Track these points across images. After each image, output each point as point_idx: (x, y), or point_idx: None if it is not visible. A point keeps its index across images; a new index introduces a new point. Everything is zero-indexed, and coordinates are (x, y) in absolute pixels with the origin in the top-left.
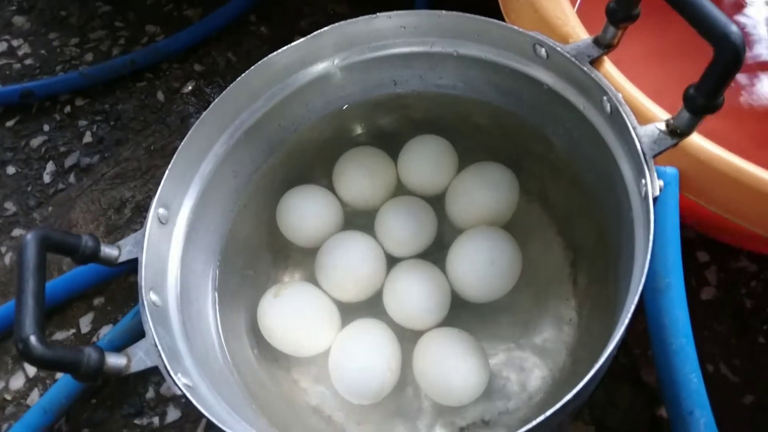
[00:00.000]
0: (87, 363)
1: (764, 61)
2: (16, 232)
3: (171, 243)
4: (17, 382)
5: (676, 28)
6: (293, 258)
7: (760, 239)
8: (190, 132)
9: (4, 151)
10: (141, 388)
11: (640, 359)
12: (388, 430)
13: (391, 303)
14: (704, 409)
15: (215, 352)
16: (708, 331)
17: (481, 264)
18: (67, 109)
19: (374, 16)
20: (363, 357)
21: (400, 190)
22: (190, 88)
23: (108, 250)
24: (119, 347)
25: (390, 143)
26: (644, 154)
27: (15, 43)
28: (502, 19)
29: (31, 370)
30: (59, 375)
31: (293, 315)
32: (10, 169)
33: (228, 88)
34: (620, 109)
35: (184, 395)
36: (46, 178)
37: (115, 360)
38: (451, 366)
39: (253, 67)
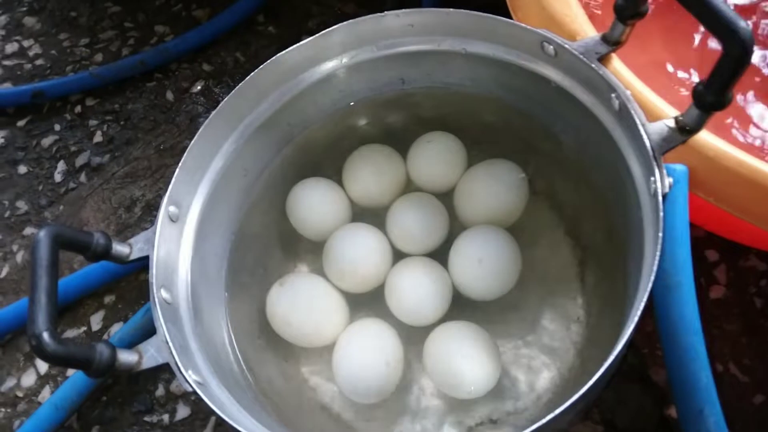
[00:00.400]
0: (99, 359)
1: None
2: (28, 230)
3: (181, 241)
4: (29, 379)
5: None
6: (303, 256)
7: None
8: (200, 131)
9: (16, 150)
10: (151, 386)
11: (649, 359)
12: (396, 429)
13: (392, 299)
14: (714, 407)
15: (225, 349)
16: (717, 330)
17: (469, 262)
18: (78, 109)
19: (382, 14)
20: (361, 355)
21: (409, 187)
22: (199, 87)
23: (119, 248)
24: (129, 345)
25: (399, 141)
26: (653, 152)
27: (26, 43)
28: (509, 17)
29: (43, 367)
30: (70, 372)
31: (297, 302)
32: (22, 169)
33: (237, 87)
34: (629, 107)
35: (195, 392)
36: (57, 177)
37: (126, 357)
38: (464, 357)
39: (261, 66)
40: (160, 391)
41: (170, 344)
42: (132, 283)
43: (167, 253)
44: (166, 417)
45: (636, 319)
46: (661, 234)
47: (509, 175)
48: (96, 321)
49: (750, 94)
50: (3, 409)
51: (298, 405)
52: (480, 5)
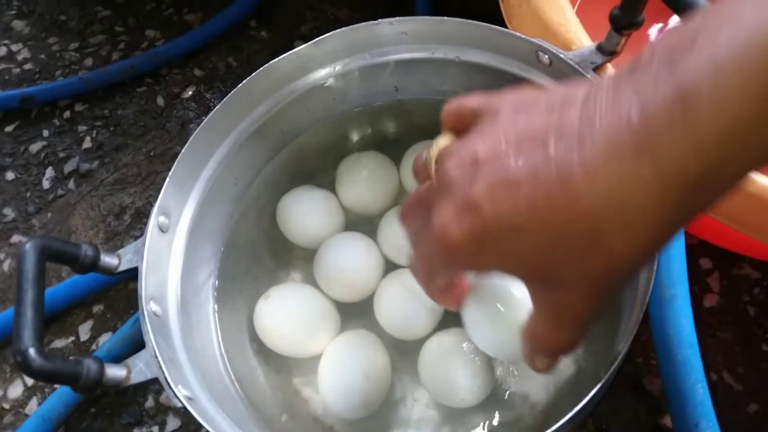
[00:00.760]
0: (86, 375)
1: None
2: (15, 238)
3: (171, 251)
4: (15, 390)
5: None
6: (294, 265)
7: (764, 247)
8: (190, 139)
9: (3, 156)
10: (140, 398)
11: (643, 368)
12: None
13: (380, 313)
14: (710, 420)
15: (216, 361)
16: (711, 338)
17: None
18: (67, 114)
19: (376, 22)
20: (342, 369)
21: (402, 195)
22: (190, 93)
23: (108, 259)
24: (118, 355)
25: (392, 149)
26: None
27: (14, 47)
28: (504, 26)
29: (30, 379)
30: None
31: (285, 315)
32: (9, 175)
33: (229, 95)
34: None
35: (185, 408)
36: (46, 184)
37: (114, 371)
38: (459, 366)
39: (254, 74)
40: (149, 402)
41: (159, 359)
42: (121, 292)
43: (157, 264)
44: (156, 429)
45: (632, 334)
46: None
47: None
48: (84, 331)
49: None
50: None
51: (290, 417)
52: (475, 14)
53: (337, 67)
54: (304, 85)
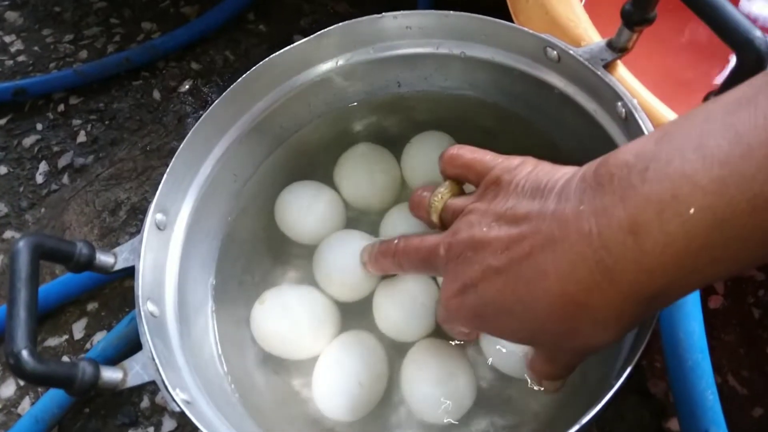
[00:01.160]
0: (81, 378)
1: None
2: (8, 234)
3: (169, 250)
4: (8, 390)
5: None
6: (293, 263)
7: None
8: (188, 135)
9: None
10: (136, 398)
11: (648, 371)
12: None
13: (379, 315)
14: (720, 427)
15: (214, 362)
16: (716, 341)
17: None
18: (61, 107)
19: (379, 16)
20: (336, 374)
21: (404, 189)
22: (187, 87)
23: (103, 258)
24: (113, 355)
25: (394, 144)
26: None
27: (8, 39)
28: (510, 20)
29: None
30: None
31: (281, 318)
32: (2, 169)
33: (228, 89)
34: (636, 116)
35: (183, 411)
36: (39, 179)
37: (110, 374)
38: (433, 382)
39: (254, 68)
40: (145, 402)
41: (157, 361)
42: (116, 290)
43: (154, 263)
44: (151, 430)
45: (644, 342)
46: None
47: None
48: (78, 329)
49: None
50: None
51: (290, 419)
52: (480, 7)
53: (339, 62)
54: (305, 80)
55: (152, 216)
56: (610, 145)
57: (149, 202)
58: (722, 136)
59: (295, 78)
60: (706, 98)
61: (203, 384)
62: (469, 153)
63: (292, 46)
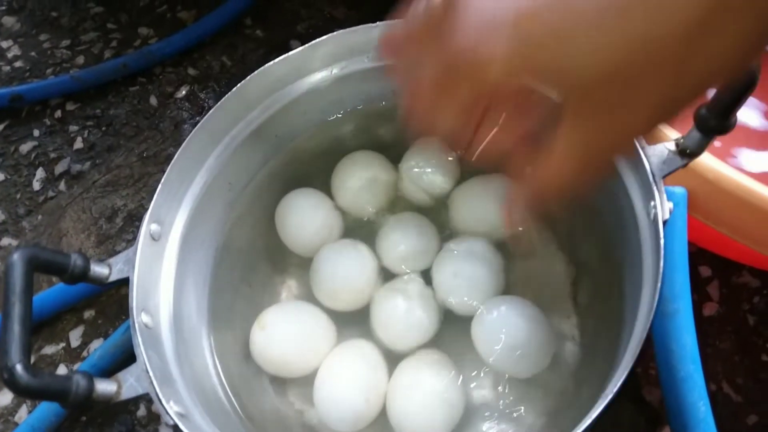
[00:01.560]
0: (75, 391)
1: None
2: (5, 241)
3: (163, 260)
4: (5, 398)
5: None
6: (290, 272)
7: (765, 258)
8: (183, 145)
9: None
10: (132, 406)
11: (642, 378)
12: None
13: (377, 324)
14: None
15: (209, 373)
16: (711, 348)
17: (445, 275)
18: (58, 113)
19: (374, 25)
20: (340, 385)
21: (401, 198)
22: (183, 92)
23: (98, 269)
24: (110, 363)
25: (390, 152)
26: (653, 175)
27: (4, 44)
28: None
29: None
30: None
31: (282, 342)
32: None
33: (223, 98)
34: None
35: (176, 425)
36: (36, 186)
37: (104, 386)
38: (418, 402)
39: (249, 77)
40: (141, 411)
41: (150, 374)
42: (112, 297)
43: (149, 273)
44: None
45: (637, 353)
46: (662, 264)
47: (502, 188)
48: (75, 337)
49: None
50: None
51: (285, 430)
52: None
53: (334, 70)
54: (300, 88)
55: (147, 227)
56: None
57: (146, 209)
58: None
59: (290, 87)
60: (697, 111)
61: (198, 395)
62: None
63: (286, 55)
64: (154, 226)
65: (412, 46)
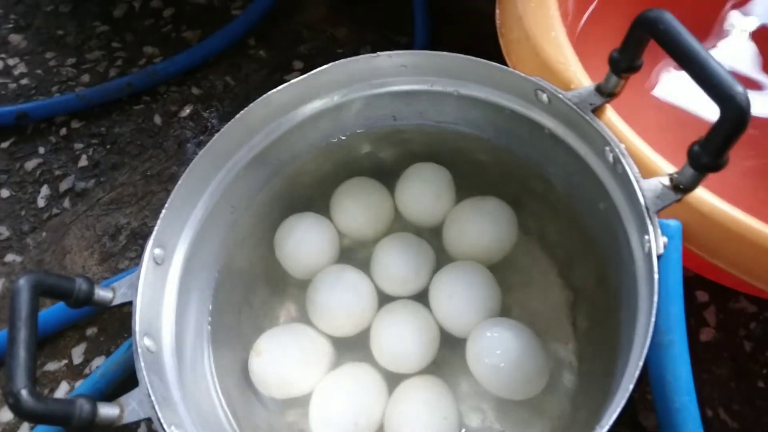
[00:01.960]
0: (79, 415)
1: None
2: (9, 257)
3: (166, 284)
4: (6, 414)
5: None
6: (290, 293)
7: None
8: (187, 171)
9: None
10: (133, 424)
11: (639, 403)
12: None
13: (376, 348)
14: None
15: (210, 395)
16: (707, 374)
17: (442, 297)
18: (63, 131)
19: (375, 55)
20: (330, 408)
21: (397, 221)
22: (187, 111)
23: (102, 293)
24: (111, 381)
25: (389, 176)
26: (647, 209)
27: (11, 62)
28: (503, 58)
29: None
30: None
31: (279, 366)
32: (4, 192)
33: (226, 125)
34: (623, 161)
35: None
36: (41, 202)
37: (107, 410)
38: (414, 424)
39: (252, 104)
40: (142, 429)
41: (153, 399)
42: (115, 315)
43: (152, 297)
44: None
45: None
46: (656, 298)
47: (498, 211)
48: (77, 354)
49: None
50: None
51: None
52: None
53: (335, 98)
54: (302, 114)
55: (150, 251)
56: (599, 186)
57: (149, 227)
58: None
59: (292, 113)
60: (691, 148)
61: (199, 418)
62: None
63: (289, 82)
64: (157, 251)
65: None
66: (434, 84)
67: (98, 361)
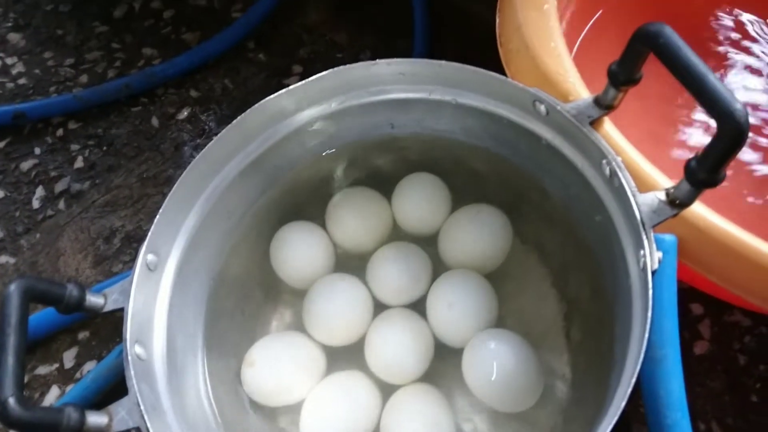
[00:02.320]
0: (67, 424)
1: None
2: (3, 259)
3: (159, 290)
4: None
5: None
6: (284, 301)
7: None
8: (182, 176)
9: None
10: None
11: (631, 415)
12: None
13: (371, 356)
14: None
15: (201, 403)
16: (701, 387)
17: (439, 307)
18: (60, 132)
19: (373, 62)
20: (319, 417)
21: (393, 229)
22: (185, 114)
23: (93, 300)
24: (103, 386)
25: (386, 183)
26: (643, 224)
27: (9, 61)
28: (501, 68)
29: None
30: None
31: (273, 376)
32: None
33: (223, 131)
34: (620, 175)
35: None
36: (35, 204)
37: (95, 419)
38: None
39: (249, 110)
40: None
41: (142, 408)
42: (107, 319)
43: (144, 304)
44: None
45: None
46: (650, 313)
47: (494, 220)
48: (69, 358)
49: None
50: None
51: None
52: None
53: (333, 104)
54: (299, 121)
55: (143, 257)
56: (595, 198)
57: (144, 231)
58: None
59: (289, 119)
60: (688, 163)
61: (188, 426)
62: None
63: (287, 89)
64: (150, 257)
65: None
66: (432, 92)
67: (90, 366)
